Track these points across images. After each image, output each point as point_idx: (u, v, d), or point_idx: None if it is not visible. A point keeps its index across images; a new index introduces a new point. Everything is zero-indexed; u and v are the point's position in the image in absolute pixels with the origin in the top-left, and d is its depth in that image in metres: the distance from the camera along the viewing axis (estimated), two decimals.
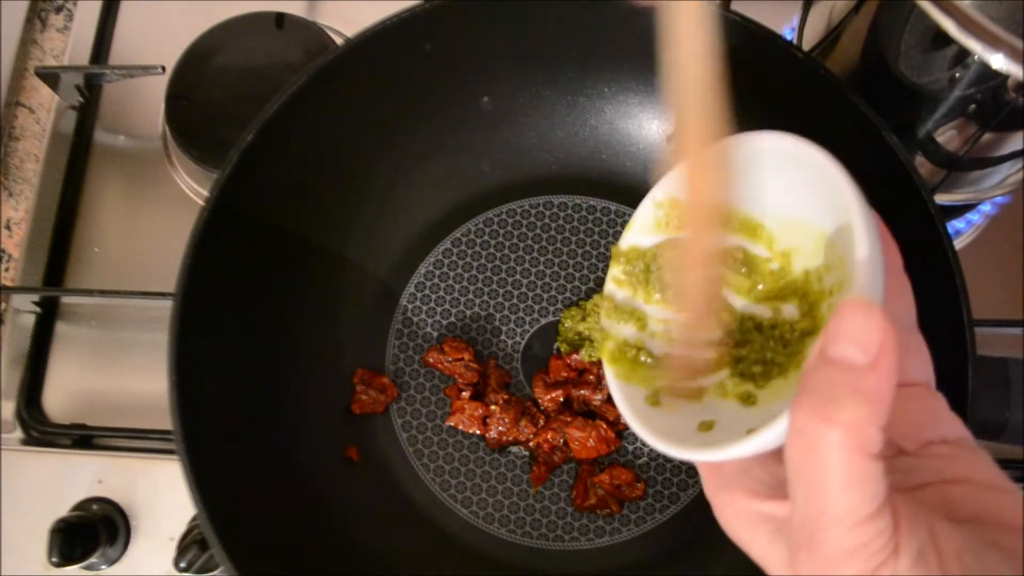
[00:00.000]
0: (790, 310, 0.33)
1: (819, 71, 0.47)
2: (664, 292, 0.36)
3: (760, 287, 0.35)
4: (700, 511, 0.51)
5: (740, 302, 0.35)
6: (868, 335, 0.23)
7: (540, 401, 0.53)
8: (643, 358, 0.35)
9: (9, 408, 0.58)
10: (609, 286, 0.37)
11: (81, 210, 0.63)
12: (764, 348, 0.33)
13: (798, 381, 0.24)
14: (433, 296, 0.56)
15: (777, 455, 0.27)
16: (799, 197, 0.33)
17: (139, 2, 0.69)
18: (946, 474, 0.27)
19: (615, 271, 0.37)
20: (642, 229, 0.36)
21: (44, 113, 0.67)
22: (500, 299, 0.56)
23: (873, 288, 0.27)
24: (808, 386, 0.23)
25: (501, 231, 0.58)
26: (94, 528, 0.52)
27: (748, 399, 0.32)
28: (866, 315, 0.23)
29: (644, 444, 0.53)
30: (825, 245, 0.32)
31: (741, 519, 0.28)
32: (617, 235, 0.58)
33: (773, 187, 0.34)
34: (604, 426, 0.52)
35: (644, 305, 0.36)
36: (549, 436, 0.52)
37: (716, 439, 0.29)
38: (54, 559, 0.50)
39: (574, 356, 0.54)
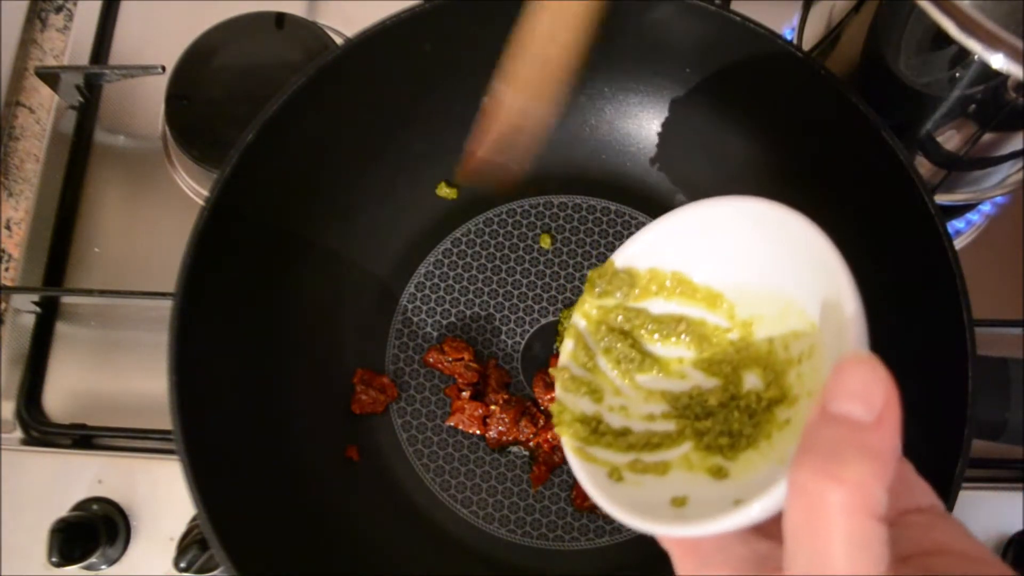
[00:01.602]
0: (753, 380, 0.32)
1: (819, 71, 0.47)
2: (620, 364, 0.35)
3: (720, 359, 0.34)
4: None
5: (698, 375, 0.34)
6: (871, 391, 0.22)
7: (540, 401, 0.53)
8: (602, 432, 0.34)
9: (9, 408, 0.58)
10: (564, 357, 0.36)
11: (81, 210, 0.63)
12: (728, 420, 0.32)
13: (772, 453, 0.23)
14: (433, 296, 0.56)
15: (758, 530, 0.26)
16: (763, 264, 0.33)
17: (139, 2, 0.69)
18: (925, 544, 0.26)
19: (569, 343, 0.36)
20: (594, 301, 0.36)
21: (44, 113, 0.67)
22: (500, 299, 0.56)
23: (864, 345, 0.26)
24: (809, 445, 0.22)
25: (501, 231, 0.58)
26: (94, 528, 0.52)
27: (719, 472, 0.31)
28: (869, 371, 0.23)
29: None
30: (791, 312, 0.32)
31: None
32: (617, 235, 0.58)
33: (735, 254, 0.34)
34: None
35: (600, 378, 0.35)
36: (549, 436, 0.52)
37: (693, 513, 0.28)
38: (54, 559, 0.50)
39: None
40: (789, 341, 0.31)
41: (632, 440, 0.33)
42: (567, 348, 0.36)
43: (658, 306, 0.36)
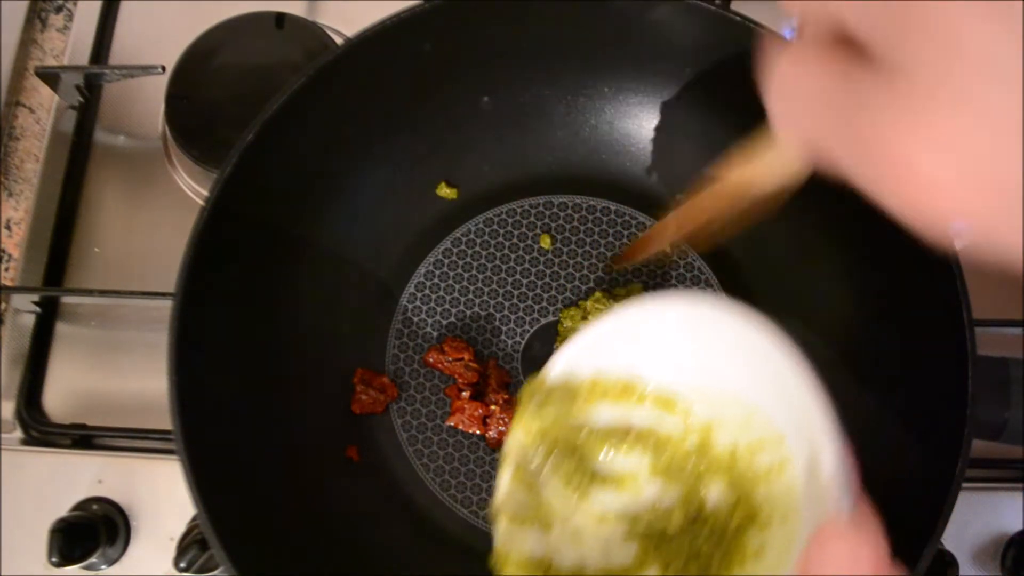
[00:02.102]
0: (716, 492, 0.30)
1: None
2: (568, 484, 0.32)
3: (679, 467, 0.32)
4: None
5: (655, 486, 0.32)
6: (857, 564, 0.21)
7: None
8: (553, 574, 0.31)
9: (9, 408, 0.57)
10: (500, 494, 0.32)
11: (81, 210, 0.63)
12: (694, 543, 0.29)
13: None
14: (433, 296, 0.56)
15: None
16: (722, 367, 0.31)
17: (139, 2, 0.69)
18: None
19: (506, 474, 0.32)
20: (532, 419, 0.33)
21: (44, 113, 0.67)
22: (500, 299, 0.56)
23: (847, 499, 0.25)
24: None
25: (501, 231, 0.58)
26: (94, 528, 0.52)
27: None
28: (854, 544, 0.21)
29: None
30: (755, 419, 0.30)
31: None
32: (617, 235, 0.58)
33: (690, 355, 0.31)
34: None
35: (545, 507, 0.32)
36: None
37: None
38: (54, 559, 0.50)
39: None
40: (755, 450, 0.30)
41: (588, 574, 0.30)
42: (503, 483, 0.32)
43: (605, 415, 0.32)
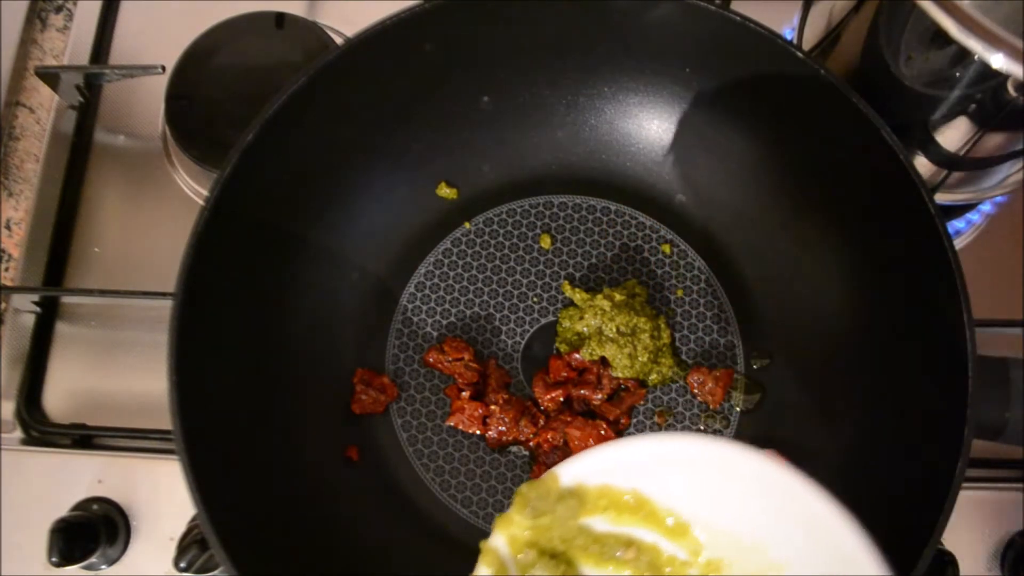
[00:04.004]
0: None
1: (819, 71, 0.47)
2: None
3: None
4: None
5: None
6: None
7: (540, 401, 0.53)
8: None
9: (9, 408, 0.58)
10: None
11: (81, 210, 0.63)
12: None
13: None
14: (433, 296, 0.56)
15: None
16: (750, 513, 0.29)
17: (139, 2, 0.69)
18: None
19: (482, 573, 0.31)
20: (525, 521, 0.31)
21: (44, 113, 0.67)
22: (500, 299, 0.56)
23: None
24: None
25: (501, 231, 0.58)
26: (94, 528, 0.52)
27: None
28: None
29: None
30: (762, 565, 0.29)
31: None
32: (617, 235, 0.58)
33: (716, 492, 0.30)
34: (604, 426, 0.52)
35: None
36: (549, 436, 0.52)
37: None
38: (54, 559, 0.50)
39: (575, 355, 0.54)
40: None
41: None
42: None
43: (605, 524, 0.31)
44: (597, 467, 0.31)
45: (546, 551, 0.31)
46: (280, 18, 0.64)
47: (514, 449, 0.53)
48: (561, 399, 0.53)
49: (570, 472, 0.31)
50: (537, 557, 0.30)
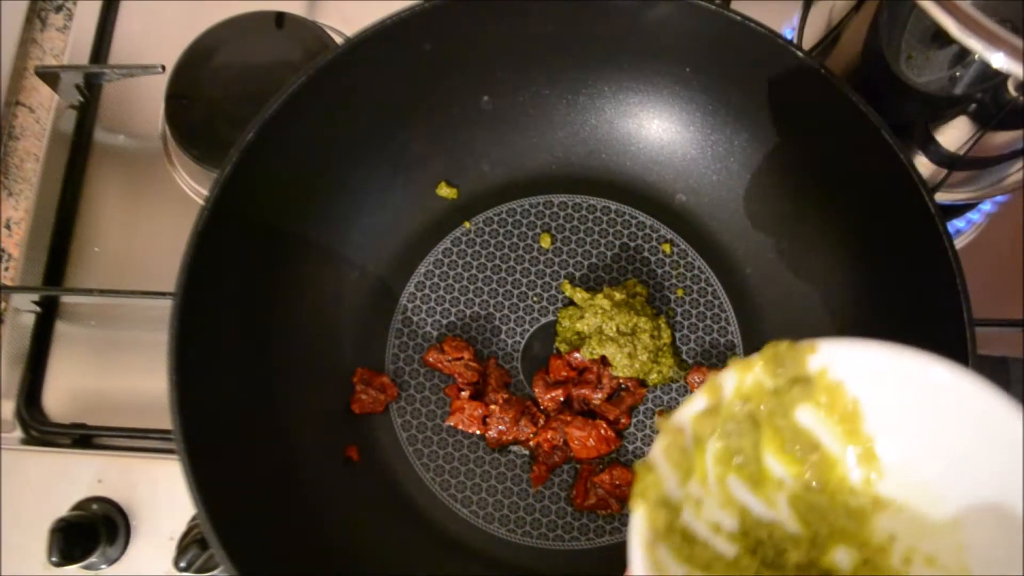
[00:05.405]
0: (842, 557, 0.28)
1: (819, 71, 0.47)
2: (725, 457, 0.29)
3: (821, 512, 0.29)
4: None
5: (787, 512, 0.29)
6: None
7: (540, 401, 0.53)
8: (674, 530, 0.28)
9: (9, 408, 0.58)
10: (686, 415, 0.29)
11: (81, 210, 0.63)
12: None
13: None
14: (433, 296, 0.56)
15: None
16: (959, 471, 0.27)
17: (139, 2, 0.69)
18: None
19: (700, 402, 0.29)
20: (761, 373, 0.29)
21: (44, 113, 0.67)
22: (500, 299, 0.56)
23: None
24: None
25: (501, 231, 0.58)
26: (94, 528, 0.52)
27: None
28: None
29: (645, 443, 0.53)
30: (947, 543, 0.27)
31: None
32: (617, 234, 0.58)
33: (936, 437, 0.28)
34: (604, 426, 0.52)
35: (699, 458, 0.29)
36: (549, 436, 0.52)
37: None
38: (54, 559, 0.50)
39: (575, 355, 0.54)
40: (915, 559, 0.26)
41: (693, 553, 0.28)
42: (696, 406, 0.29)
43: (807, 417, 0.30)
44: (851, 361, 0.29)
45: (747, 416, 0.29)
46: (280, 18, 0.64)
47: (514, 449, 0.53)
48: (561, 399, 0.53)
49: (827, 352, 0.29)
50: (739, 414, 0.29)
